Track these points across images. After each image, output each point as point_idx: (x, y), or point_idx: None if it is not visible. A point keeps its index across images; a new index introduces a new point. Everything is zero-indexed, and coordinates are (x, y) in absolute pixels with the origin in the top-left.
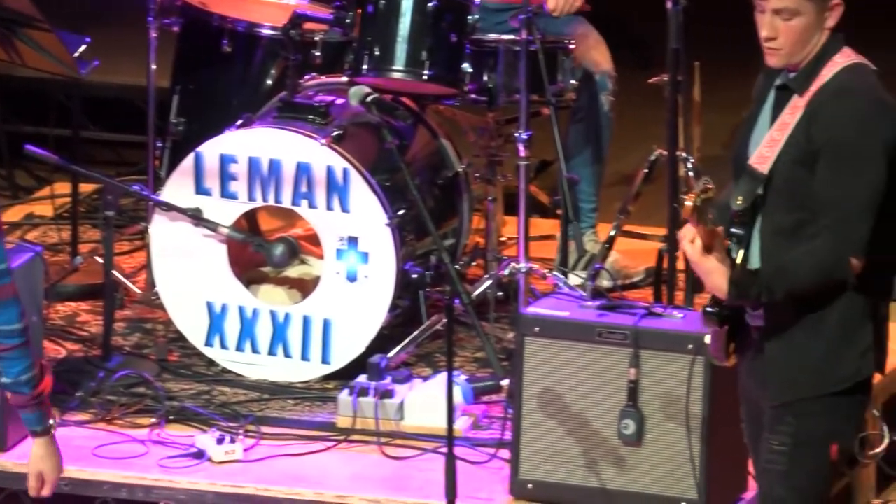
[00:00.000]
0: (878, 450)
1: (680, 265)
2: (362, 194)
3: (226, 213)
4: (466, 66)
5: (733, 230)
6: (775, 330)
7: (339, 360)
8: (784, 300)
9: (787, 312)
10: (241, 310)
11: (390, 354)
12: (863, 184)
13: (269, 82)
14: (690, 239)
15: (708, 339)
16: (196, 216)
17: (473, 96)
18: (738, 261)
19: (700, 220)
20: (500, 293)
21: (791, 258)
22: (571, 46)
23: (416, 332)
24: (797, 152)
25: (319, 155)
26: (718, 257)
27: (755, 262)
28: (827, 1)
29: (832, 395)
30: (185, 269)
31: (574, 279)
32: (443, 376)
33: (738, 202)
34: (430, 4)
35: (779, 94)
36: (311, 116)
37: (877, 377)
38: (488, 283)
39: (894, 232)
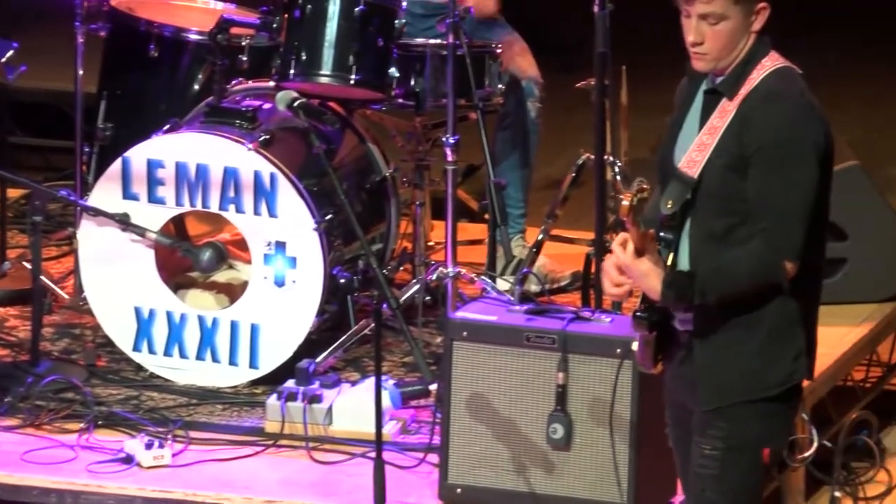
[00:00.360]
0: (807, 454)
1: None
2: (290, 199)
3: (153, 218)
4: (393, 71)
5: (662, 234)
6: (706, 335)
7: (267, 364)
8: (718, 303)
9: (718, 317)
10: (169, 315)
11: (318, 359)
12: (797, 187)
13: (197, 87)
14: (621, 242)
15: (635, 346)
16: (124, 221)
17: (401, 101)
18: (668, 263)
19: (635, 220)
20: (428, 298)
21: (726, 260)
22: (498, 51)
23: (344, 337)
24: (728, 157)
25: (247, 160)
26: (651, 259)
27: (684, 266)
28: (753, 4)
29: (764, 400)
30: (113, 275)
31: (502, 283)
32: (371, 381)
33: (668, 206)
34: (357, 9)
35: (707, 98)
36: (238, 121)
37: (805, 382)
38: (416, 287)
39: (824, 235)
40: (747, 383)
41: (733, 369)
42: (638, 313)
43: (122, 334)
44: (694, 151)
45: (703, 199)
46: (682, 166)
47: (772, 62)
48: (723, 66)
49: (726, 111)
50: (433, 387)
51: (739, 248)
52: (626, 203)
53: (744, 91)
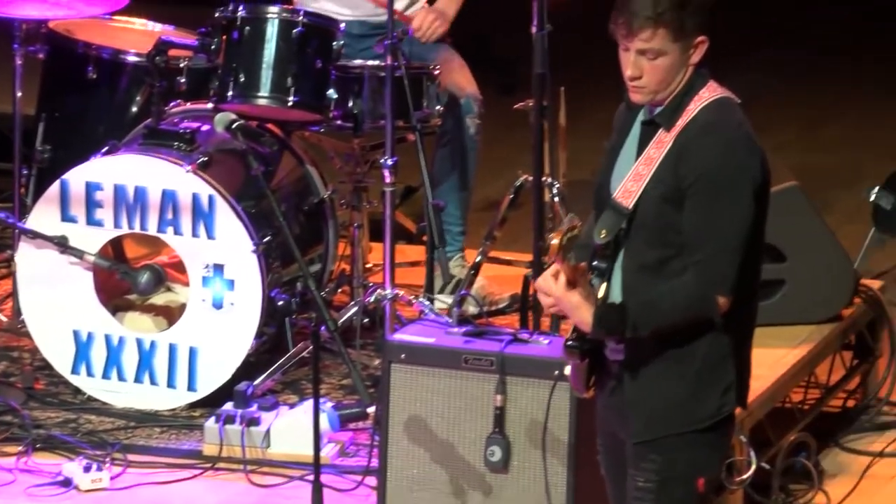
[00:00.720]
0: (745, 476)
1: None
2: (228, 221)
3: (92, 240)
4: (332, 93)
5: (596, 263)
6: (636, 367)
7: (206, 387)
8: (650, 336)
9: (648, 349)
10: (108, 338)
11: (256, 382)
12: (731, 221)
13: (135, 109)
14: (553, 274)
15: (568, 370)
16: (62, 244)
17: (339, 122)
18: (601, 294)
19: (565, 257)
20: (367, 320)
21: (659, 293)
22: (436, 72)
23: (282, 360)
24: (663, 188)
25: (185, 182)
26: (583, 292)
27: (616, 297)
28: (691, 39)
29: (695, 432)
30: (52, 297)
31: (440, 305)
32: (309, 403)
33: (602, 236)
34: (295, 31)
35: (644, 128)
36: (176, 143)
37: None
38: (354, 309)
39: (758, 268)
40: (677, 416)
41: (663, 402)
42: (569, 342)
43: (60, 357)
44: (629, 181)
45: (638, 229)
46: (618, 196)
47: (710, 93)
48: (660, 98)
49: (663, 142)
50: (371, 409)
51: (673, 280)
52: (554, 242)
53: (681, 122)
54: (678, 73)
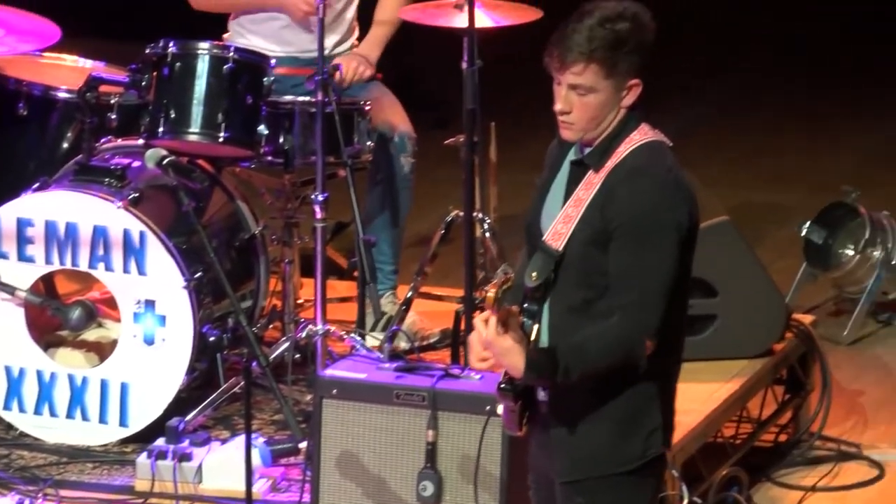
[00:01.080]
0: None
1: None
2: (159, 257)
3: (23, 276)
4: (262, 128)
5: (527, 306)
6: (563, 408)
7: (138, 423)
8: (578, 379)
9: (574, 392)
10: (39, 373)
11: (188, 417)
12: (656, 267)
13: (66, 145)
14: (484, 319)
15: (500, 409)
16: None
17: (270, 158)
18: (533, 336)
19: (500, 307)
20: (298, 355)
21: (587, 337)
22: (367, 108)
23: (214, 395)
24: (591, 231)
25: (116, 218)
26: (514, 337)
27: (545, 338)
28: (624, 80)
29: (620, 475)
30: None
31: (371, 341)
32: (241, 439)
33: (533, 278)
34: (225, 67)
35: (574, 168)
36: (107, 179)
37: (680, 433)
38: (286, 345)
39: (683, 311)
40: (602, 458)
41: (588, 444)
42: (502, 385)
43: None
44: (559, 223)
45: (565, 271)
46: (548, 238)
47: (640, 136)
48: (590, 138)
49: (592, 184)
50: (303, 444)
51: (600, 322)
52: (490, 295)
53: (610, 164)
54: (608, 113)
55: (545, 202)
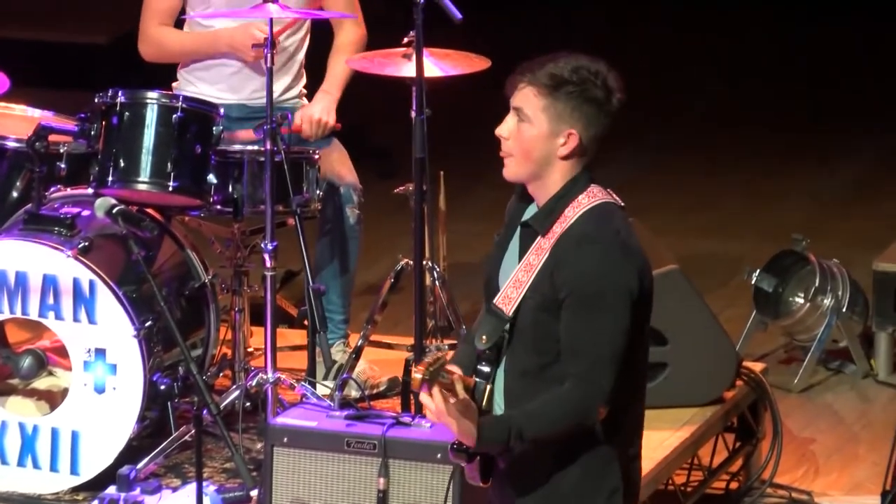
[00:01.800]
0: None
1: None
2: (109, 306)
3: None
4: (212, 177)
5: (479, 367)
6: (521, 472)
7: (89, 471)
8: (532, 444)
9: (531, 454)
10: None
11: (139, 465)
12: (608, 333)
13: (15, 195)
14: (428, 393)
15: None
16: None
17: (219, 207)
18: (486, 397)
19: (432, 387)
20: (249, 404)
21: (540, 404)
22: (316, 157)
23: (165, 443)
24: (540, 298)
25: (66, 267)
26: (459, 406)
27: (499, 400)
28: (560, 124)
29: None
30: None
31: (322, 389)
32: (192, 487)
33: (483, 341)
34: (174, 116)
35: (524, 231)
36: (57, 228)
37: None
38: (236, 393)
39: (641, 376)
40: None
41: None
42: (455, 445)
43: None
44: (510, 288)
45: (518, 336)
46: (498, 302)
47: (589, 199)
48: (533, 188)
49: (542, 249)
50: (254, 493)
51: (554, 388)
52: (417, 377)
53: (559, 229)
54: (541, 154)
55: (503, 259)
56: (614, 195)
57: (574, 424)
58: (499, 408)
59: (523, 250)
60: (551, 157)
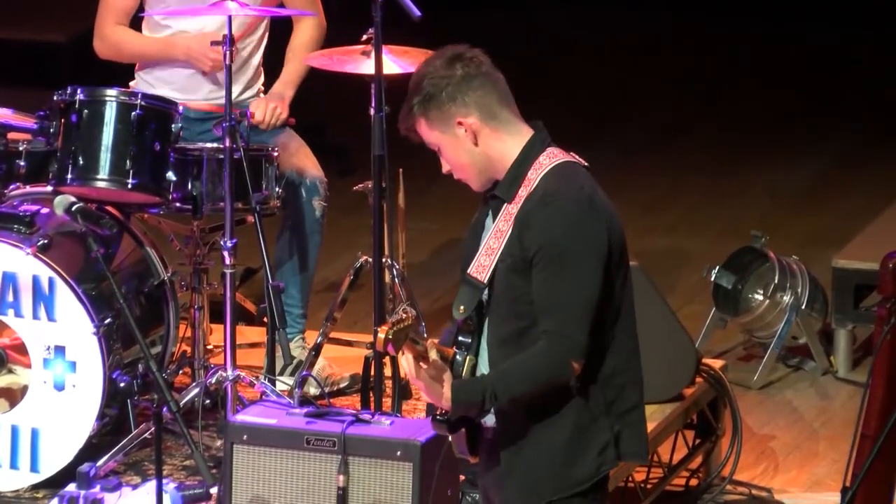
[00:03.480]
0: None
1: (387, 371)
2: (68, 303)
3: None
4: (171, 175)
5: (460, 338)
6: (509, 436)
7: (48, 468)
8: (508, 405)
9: (518, 419)
10: None
11: (99, 463)
12: (577, 288)
13: None
14: (406, 358)
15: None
16: None
17: (178, 205)
18: (466, 367)
19: (397, 348)
20: (208, 401)
21: (512, 363)
22: (275, 154)
23: (124, 441)
24: (512, 260)
25: (25, 264)
26: (432, 372)
27: (485, 370)
28: (448, 127)
29: (574, 496)
30: None
31: (281, 386)
32: (152, 484)
33: (460, 311)
34: (133, 113)
35: (493, 203)
36: (16, 226)
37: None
38: (196, 391)
39: (625, 324)
40: (555, 481)
41: (539, 468)
42: (437, 416)
43: None
44: (482, 256)
45: (495, 303)
46: (472, 271)
47: (549, 159)
48: (496, 176)
49: (510, 214)
50: (214, 490)
51: (527, 349)
52: (381, 336)
53: (524, 192)
54: (470, 157)
55: (481, 239)
56: (576, 156)
57: (548, 381)
58: None
59: (494, 221)
60: (473, 151)
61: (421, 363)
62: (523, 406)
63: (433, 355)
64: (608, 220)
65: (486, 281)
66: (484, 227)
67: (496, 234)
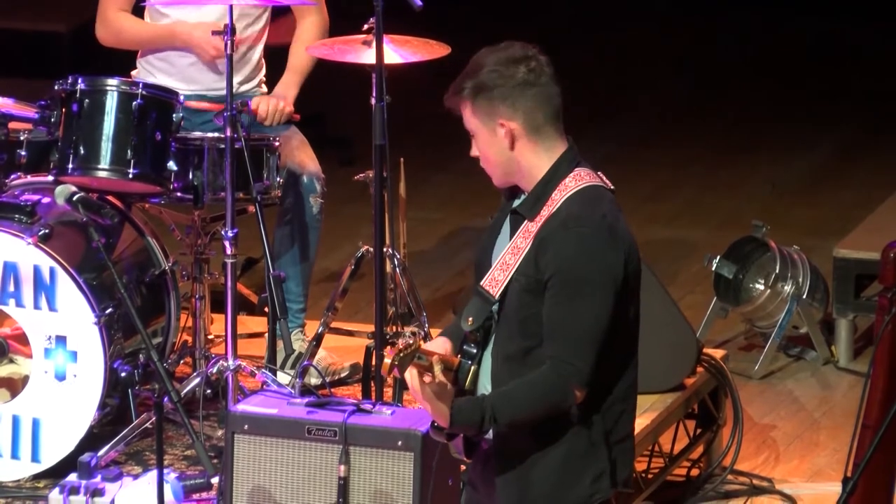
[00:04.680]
0: None
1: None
2: (69, 293)
3: None
4: (172, 165)
5: (465, 348)
6: (505, 455)
7: (49, 458)
8: (509, 427)
9: (515, 438)
10: None
11: (100, 453)
12: (587, 316)
13: None
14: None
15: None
16: None
17: (179, 194)
18: (469, 377)
19: (402, 371)
20: (209, 391)
21: (515, 386)
22: (276, 144)
23: (125, 431)
24: (525, 280)
25: (26, 254)
26: (436, 387)
27: (486, 384)
28: (490, 121)
29: None
30: None
31: (283, 377)
32: (153, 474)
33: (469, 323)
34: (134, 103)
35: (513, 218)
36: (17, 216)
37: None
38: (197, 380)
39: (628, 355)
40: (547, 502)
41: (532, 489)
42: (434, 424)
43: None
44: (497, 270)
45: (504, 319)
46: (485, 284)
47: (576, 182)
48: (519, 182)
49: (529, 233)
50: (215, 480)
51: (531, 371)
52: (386, 362)
53: (546, 213)
54: (500, 157)
55: (496, 242)
56: (604, 177)
57: (549, 407)
58: (485, 390)
59: (512, 235)
60: (506, 153)
61: (425, 378)
62: (520, 430)
63: (438, 372)
64: (626, 251)
65: (497, 296)
66: (500, 232)
67: (513, 250)
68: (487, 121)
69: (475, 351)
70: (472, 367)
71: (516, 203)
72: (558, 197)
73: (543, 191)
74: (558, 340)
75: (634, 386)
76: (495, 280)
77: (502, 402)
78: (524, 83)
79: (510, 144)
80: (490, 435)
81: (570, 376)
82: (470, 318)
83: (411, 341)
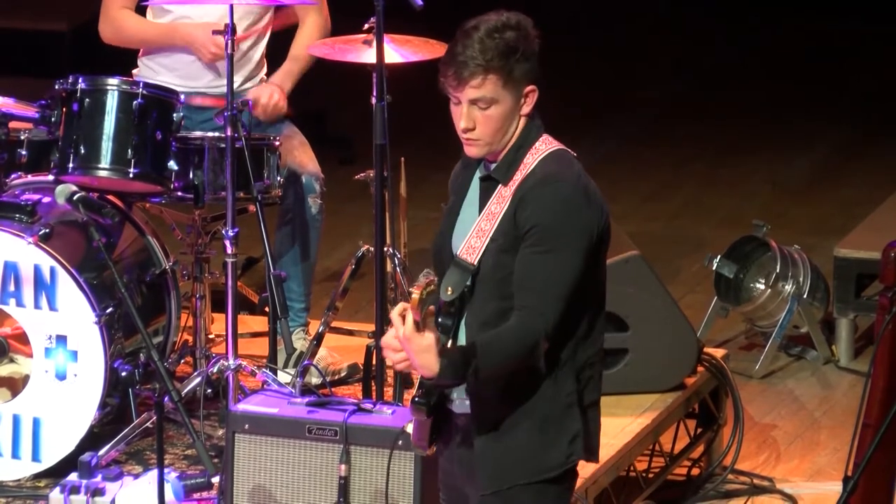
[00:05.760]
0: None
1: (389, 361)
2: (70, 293)
3: None
4: (172, 164)
5: (441, 320)
6: (483, 420)
7: (50, 458)
8: (487, 378)
9: (493, 402)
10: None
11: (101, 452)
12: (561, 271)
13: None
14: (400, 313)
15: (410, 428)
16: None
17: (180, 194)
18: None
19: (422, 312)
20: (210, 390)
21: (492, 337)
22: (277, 143)
23: (126, 430)
24: (504, 240)
25: (26, 253)
26: (430, 337)
27: None
28: (522, 87)
29: (542, 482)
30: None
31: (283, 376)
32: (153, 473)
33: (448, 293)
34: (135, 102)
35: (484, 185)
36: (17, 215)
37: (592, 466)
38: (198, 380)
39: (594, 321)
40: (524, 466)
41: (510, 453)
42: (416, 399)
43: None
44: (473, 237)
45: (480, 285)
46: (462, 253)
47: (546, 146)
48: (495, 150)
49: (503, 197)
50: (216, 479)
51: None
52: (415, 296)
53: (520, 176)
54: (511, 123)
55: (456, 225)
56: (563, 145)
57: (521, 357)
58: None
59: (483, 203)
60: (513, 120)
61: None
62: (497, 388)
63: (432, 323)
64: (600, 210)
65: (476, 262)
66: (460, 212)
67: (488, 216)
68: (519, 87)
69: (450, 323)
70: (449, 342)
71: (484, 172)
72: (531, 160)
73: (516, 156)
74: (530, 291)
75: (601, 353)
76: (472, 248)
77: (483, 351)
78: (539, 53)
79: (524, 112)
80: (464, 409)
81: (538, 326)
82: (449, 288)
83: (431, 278)
